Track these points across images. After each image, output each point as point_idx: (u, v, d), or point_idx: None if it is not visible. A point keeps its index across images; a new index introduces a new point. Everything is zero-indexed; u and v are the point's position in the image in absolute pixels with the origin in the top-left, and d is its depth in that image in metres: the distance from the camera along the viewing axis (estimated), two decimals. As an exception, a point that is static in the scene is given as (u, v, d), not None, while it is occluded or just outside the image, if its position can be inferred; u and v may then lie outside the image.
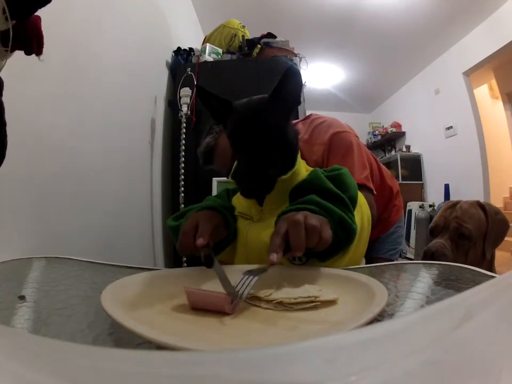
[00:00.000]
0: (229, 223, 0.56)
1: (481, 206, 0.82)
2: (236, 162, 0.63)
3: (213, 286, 0.41)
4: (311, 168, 0.64)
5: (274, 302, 0.34)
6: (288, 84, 0.53)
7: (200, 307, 0.33)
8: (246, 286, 0.35)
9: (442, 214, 0.85)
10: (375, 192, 0.92)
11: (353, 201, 0.52)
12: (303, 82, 0.55)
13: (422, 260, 0.80)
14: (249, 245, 0.57)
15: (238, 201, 0.64)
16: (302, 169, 0.61)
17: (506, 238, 0.83)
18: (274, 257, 0.37)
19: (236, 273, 0.45)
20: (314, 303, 0.32)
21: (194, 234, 0.45)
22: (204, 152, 0.99)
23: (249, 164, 0.50)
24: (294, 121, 1.10)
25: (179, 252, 0.48)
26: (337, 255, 0.48)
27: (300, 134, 1.00)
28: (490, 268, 0.81)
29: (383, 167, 1.12)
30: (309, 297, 0.32)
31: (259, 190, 0.50)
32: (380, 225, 1.09)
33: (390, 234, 1.13)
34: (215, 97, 0.57)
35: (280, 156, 0.53)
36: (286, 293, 0.34)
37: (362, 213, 0.57)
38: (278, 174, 0.53)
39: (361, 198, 0.58)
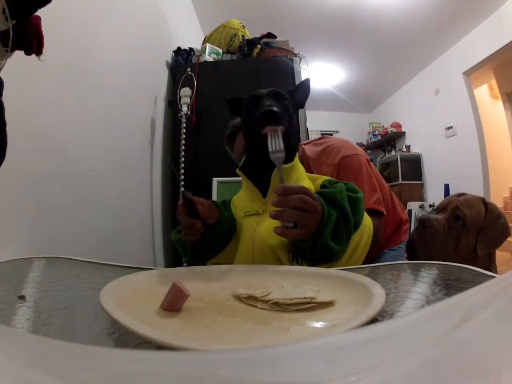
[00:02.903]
0: (221, 212, 0.60)
1: (485, 203, 0.83)
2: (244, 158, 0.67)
3: (214, 285, 0.41)
4: (311, 175, 0.68)
5: (270, 302, 0.33)
6: (302, 90, 0.66)
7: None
8: None
9: (449, 198, 0.88)
10: (385, 213, 0.91)
11: (357, 226, 0.55)
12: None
13: (415, 226, 0.83)
14: (256, 241, 0.58)
15: (241, 201, 0.66)
16: (302, 171, 0.65)
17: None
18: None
19: (234, 273, 0.45)
20: (310, 304, 0.32)
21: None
22: (231, 126, 1.05)
23: (271, 104, 0.56)
24: (308, 141, 1.14)
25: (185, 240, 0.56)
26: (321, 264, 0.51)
27: (311, 154, 1.03)
28: (489, 269, 0.81)
29: (395, 197, 1.13)
30: (305, 298, 0.32)
31: (278, 115, 0.54)
32: (387, 244, 1.10)
33: (392, 251, 1.14)
34: (231, 100, 0.69)
35: (289, 122, 0.59)
36: (283, 294, 0.34)
37: (363, 232, 0.59)
38: (287, 132, 0.59)
39: (366, 219, 0.60)
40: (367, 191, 0.89)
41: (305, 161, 1.00)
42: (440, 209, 0.87)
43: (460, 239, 0.80)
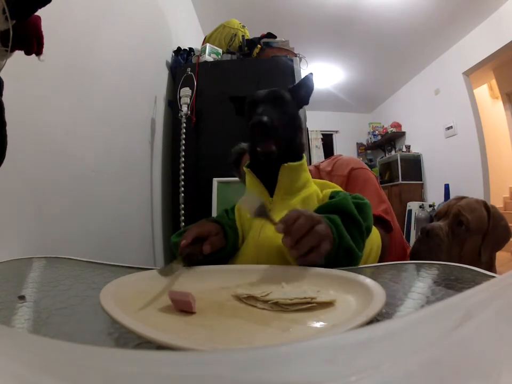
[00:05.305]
0: (227, 235, 0.57)
1: (486, 206, 0.83)
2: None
3: (214, 285, 0.41)
4: (318, 181, 0.68)
5: (270, 302, 0.33)
6: (305, 86, 0.67)
7: (178, 307, 0.33)
8: None
9: (448, 203, 0.87)
10: (392, 225, 0.90)
11: (369, 231, 0.55)
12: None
13: (418, 237, 0.83)
14: (261, 241, 0.57)
15: None
16: (309, 176, 0.65)
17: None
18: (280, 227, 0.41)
19: (234, 273, 0.45)
20: (310, 304, 0.32)
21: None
22: (235, 152, 1.08)
23: (263, 112, 0.56)
24: (322, 160, 1.18)
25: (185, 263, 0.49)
26: None
27: (324, 168, 1.08)
28: (490, 269, 0.81)
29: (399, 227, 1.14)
30: (305, 298, 0.32)
31: (269, 126, 0.54)
32: None
33: None
34: (235, 98, 0.70)
35: (289, 122, 0.59)
36: (283, 294, 0.34)
37: (372, 240, 0.60)
38: (285, 134, 0.58)
39: (373, 228, 0.60)
40: (374, 201, 0.88)
41: (321, 178, 1.04)
42: (440, 215, 0.85)
43: (464, 244, 0.79)
